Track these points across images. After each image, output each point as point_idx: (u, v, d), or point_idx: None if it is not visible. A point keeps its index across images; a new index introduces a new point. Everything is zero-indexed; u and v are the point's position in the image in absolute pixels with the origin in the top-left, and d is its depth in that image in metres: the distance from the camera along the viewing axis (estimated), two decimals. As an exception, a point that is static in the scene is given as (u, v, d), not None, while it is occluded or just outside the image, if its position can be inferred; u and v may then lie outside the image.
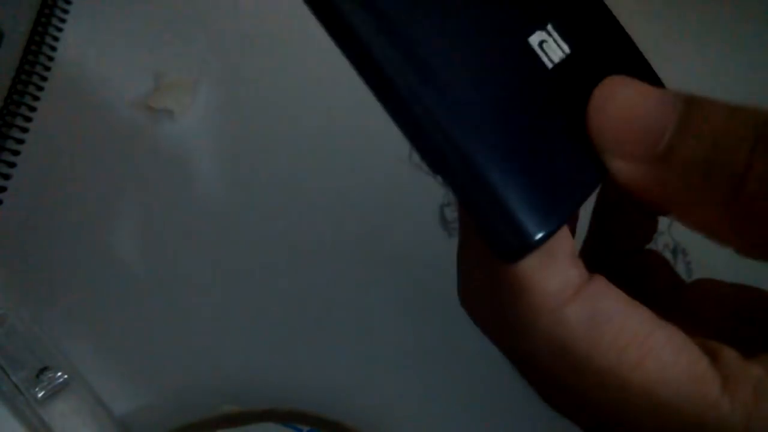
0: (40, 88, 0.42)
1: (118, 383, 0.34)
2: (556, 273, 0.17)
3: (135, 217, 0.39)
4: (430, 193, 0.40)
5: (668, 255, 0.26)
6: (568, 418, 0.20)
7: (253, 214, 0.39)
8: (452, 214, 0.39)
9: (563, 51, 0.18)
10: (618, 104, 0.17)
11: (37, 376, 0.33)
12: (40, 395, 0.32)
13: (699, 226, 0.18)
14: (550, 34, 0.18)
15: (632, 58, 0.20)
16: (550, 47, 0.18)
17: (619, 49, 0.20)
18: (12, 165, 0.39)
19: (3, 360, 0.33)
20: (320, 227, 0.39)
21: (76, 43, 0.44)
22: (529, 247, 0.16)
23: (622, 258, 0.23)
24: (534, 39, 0.17)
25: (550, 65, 0.17)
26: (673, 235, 0.39)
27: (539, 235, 0.16)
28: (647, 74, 0.20)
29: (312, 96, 0.43)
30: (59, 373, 0.33)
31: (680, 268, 0.33)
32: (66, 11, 0.44)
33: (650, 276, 0.23)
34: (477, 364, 0.35)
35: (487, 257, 0.17)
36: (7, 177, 0.39)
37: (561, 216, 0.16)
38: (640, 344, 0.16)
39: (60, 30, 0.44)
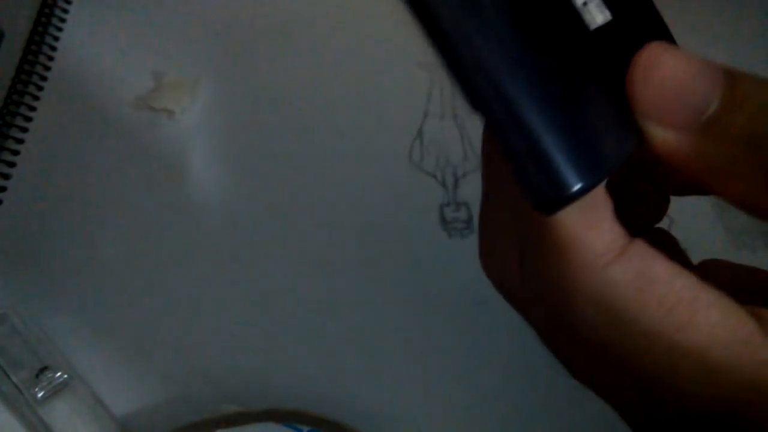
0: (40, 88, 0.42)
1: (118, 383, 0.34)
2: (602, 232, 0.16)
3: (135, 217, 0.39)
4: (430, 193, 0.40)
5: (676, 239, 0.26)
6: (599, 393, 0.19)
7: (252, 214, 0.39)
8: (452, 214, 0.39)
9: (605, 16, 0.18)
10: (663, 72, 0.17)
11: (37, 376, 0.33)
12: (40, 395, 0.32)
13: (738, 199, 0.17)
14: None
15: (664, 31, 0.20)
16: (591, 10, 0.18)
17: (654, 24, 0.20)
18: (12, 165, 0.39)
19: (3, 360, 0.33)
20: (320, 227, 0.39)
21: (76, 43, 0.44)
22: (566, 198, 0.16)
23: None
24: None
25: (592, 27, 0.17)
26: (672, 234, 0.39)
27: (577, 187, 0.15)
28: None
29: (312, 96, 0.43)
30: (59, 373, 0.33)
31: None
32: (66, 11, 0.45)
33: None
34: (477, 364, 0.35)
35: (524, 216, 0.17)
36: (7, 177, 0.39)
37: (599, 172, 0.16)
38: (688, 304, 0.16)
39: (60, 30, 0.44)
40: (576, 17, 0.17)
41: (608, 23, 0.18)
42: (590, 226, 0.16)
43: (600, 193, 0.16)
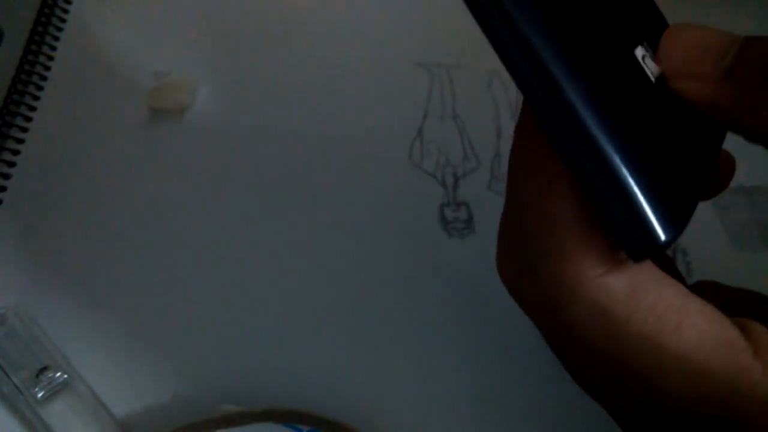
0: (40, 88, 0.42)
1: (118, 383, 0.34)
2: (602, 245, 0.18)
3: (135, 217, 0.39)
4: (430, 193, 0.40)
5: (668, 254, 0.27)
6: (598, 398, 0.20)
7: (252, 215, 0.39)
8: (452, 214, 0.39)
9: (658, 68, 0.20)
10: (687, 34, 0.20)
11: (37, 376, 0.33)
12: (40, 395, 0.32)
13: (759, 136, 0.19)
14: (646, 50, 0.20)
15: None
16: (649, 63, 0.19)
17: None
18: (12, 165, 0.39)
19: (3, 360, 0.33)
20: (320, 227, 0.39)
21: (76, 43, 0.44)
22: (656, 249, 0.17)
23: None
24: (638, 53, 0.19)
25: (653, 79, 0.19)
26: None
27: (666, 238, 0.17)
28: None
29: (313, 96, 0.43)
30: (59, 373, 0.33)
31: (680, 268, 0.33)
32: (66, 11, 0.45)
33: None
34: (477, 364, 0.35)
35: (542, 229, 0.18)
36: (7, 177, 0.39)
37: (683, 221, 0.18)
38: (676, 311, 0.17)
39: (60, 30, 0.44)
40: (641, 70, 0.19)
41: (662, 75, 0.20)
42: (591, 238, 0.18)
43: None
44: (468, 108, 0.42)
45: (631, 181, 0.17)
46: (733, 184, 0.40)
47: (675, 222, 0.17)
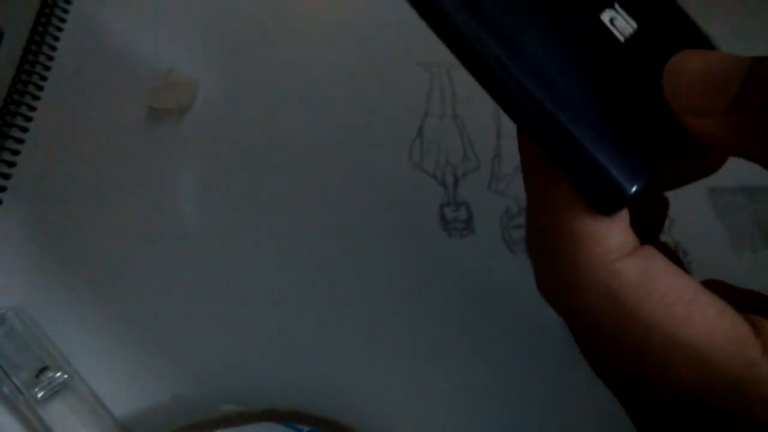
0: (40, 88, 0.42)
1: (118, 383, 0.34)
2: (616, 232, 0.18)
3: (135, 217, 0.39)
4: (430, 193, 0.40)
5: (675, 252, 0.27)
6: (612, 388, 0.20)
7: (253, 215, 0.39)
8: (452, 214, 0.39)
9: (632, 27, 0.20)
10: (688, 67, 0.19)
11: (37, 376, 0.33)
12: (40, 395, 0.32)
13: None
14: (618, 12, 0.20)
15: (692, 29, 0.22)
16: (620, 24, 0.20)
17: (680, 22, 0.22)
18: (12, 165, 0.39)
19: (3, 360, 0.33)
20: (320, 227, 0.39)
21: (76, 43, 0.44)
22: (624, 199, 0.18)
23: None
24: (605, 16, 0.19)
25: (622, 39, 0.19)
26: (673, 235, 0.39)
27: (633, 189, 0.18)
28: (707, 44, 0.22)
29: (313, 96, 0.43)
30: (59, 373, 0.33)
31: (680, 268, 0.33)
32: (66, 11, 0.45)
33: None
34: (477, 364, 0.35)
35: (555, 217, 0.19)
36: (7, 177, 0.39)
37: (649, 173, 0.18)
38: (687, 303, 0.18)
39: (60, 30, 0.44)
40: (608, 33, 0.19)
41: (637, 32, 0.20)
42: (606, 225, 0.18)
43: None
44: (468, 108, 0.42)
45: (587, 137, 0.17)
46: (733, 184, 0.40)
47: (641, 173, 0.18)
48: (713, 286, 0.24)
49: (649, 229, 0.25)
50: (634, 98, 0.19)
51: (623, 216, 0.18)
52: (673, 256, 0.25)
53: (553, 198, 0.19)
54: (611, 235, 0.18)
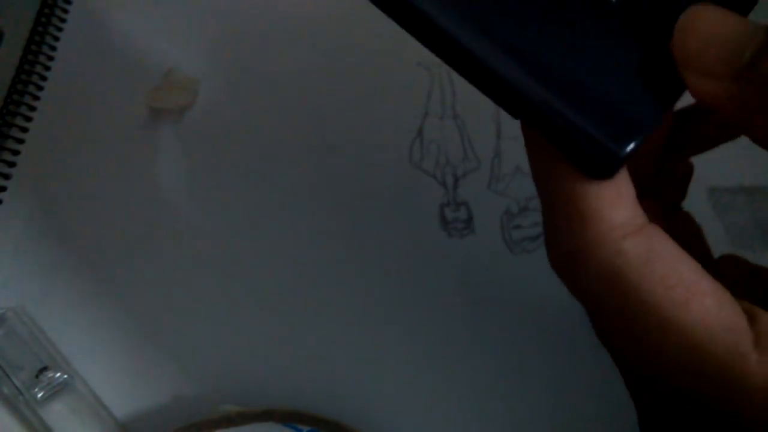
0: (40, 88, 0.42)
1: (118, 383, 0.34)
2: (621, 209, 0.18)
3: (135, 218, 0.39)
4: (430, 193, 0.40)
5: (698, 225, 0.27)
6: (619, 368, 0.20)
7: (253, 215, 0.39)
8: (452, 214, 0.39)
9: None
10: (702, 25, 0.18)
11: (37, 376, 0.33)
12: (39, 395, 0.32)
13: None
14: None
15: None
16: None
17: None
18: (12, 165, 0.39)
19: (3, 360, 0.33)
20: (320, 227, 0.39)
21: (76, 43, 0.44)
22: (616, 159, 0.17)
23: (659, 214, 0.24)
24: None
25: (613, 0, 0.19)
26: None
27: (629, 149, 0.17)
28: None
29: (313, 96, 0.43)
30: (59, 373, 0.33)
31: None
32: (66, 11, 0.45)
33: (682, 240, 0.24)
34: (477, 364, 0.35)
35: (558, 194, 0.18)
36: (7, 177, 0.39)
37: (639, 135, 0.18)
38: (687, 287, 0.17)
39: (60, 30, 0.44)
40: None
41: None
42: (612, 201, 0.18)
43: (623, 175, 0.18)
44: (468, 108, 0.42)
45: (563, 102, 0.17)
46: (733, 184, 0.40)
47: (630, 132, 0.17)
48: (731, 260, 0.24)
49: (672, 195, 0.25)
50: (623, 60, 0.18)
51: (628, 191, 0.18)
52: (694, 227, 0.25)
53: (555, 175, 0.19)
54: (616, 211, 0.18)
